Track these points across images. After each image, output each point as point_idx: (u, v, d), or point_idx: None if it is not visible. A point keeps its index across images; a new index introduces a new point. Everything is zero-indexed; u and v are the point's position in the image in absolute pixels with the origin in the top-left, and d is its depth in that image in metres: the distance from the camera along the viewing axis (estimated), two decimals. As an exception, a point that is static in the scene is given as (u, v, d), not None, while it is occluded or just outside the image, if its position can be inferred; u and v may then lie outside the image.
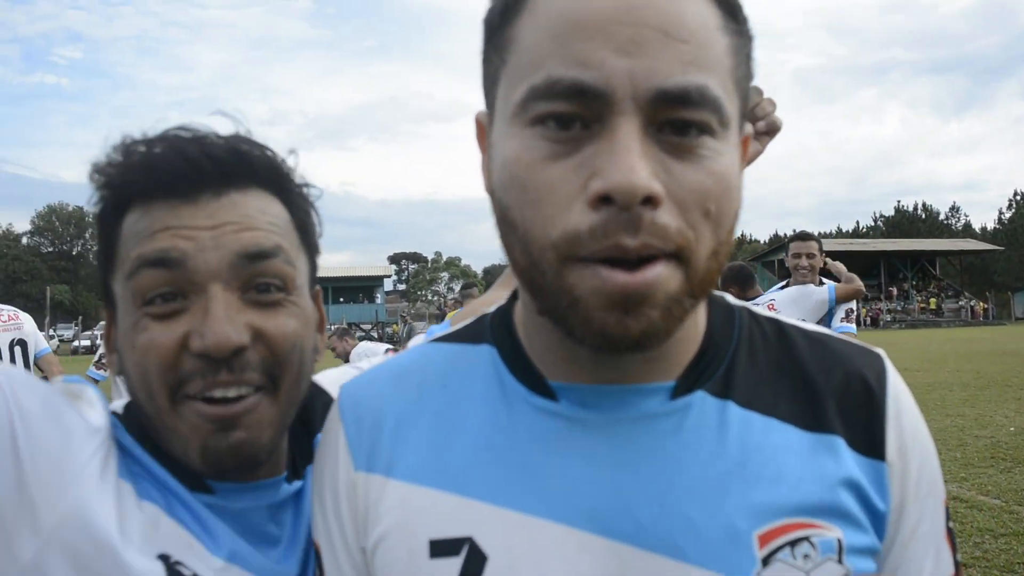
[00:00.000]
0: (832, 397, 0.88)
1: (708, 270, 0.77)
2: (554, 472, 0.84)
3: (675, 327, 0.77)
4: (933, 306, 70.57)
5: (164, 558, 0.95)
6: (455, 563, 0.82)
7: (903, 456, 0.88)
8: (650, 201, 0.70)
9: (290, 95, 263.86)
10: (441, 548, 0.83)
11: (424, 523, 0.85)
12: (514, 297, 0.98)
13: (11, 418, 0.89)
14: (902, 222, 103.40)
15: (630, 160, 0.69)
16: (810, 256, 6.65)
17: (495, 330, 0.96)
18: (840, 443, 0.85)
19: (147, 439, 1.04)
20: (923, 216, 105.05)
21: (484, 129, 0.89)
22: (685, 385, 0.87)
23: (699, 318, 0.90)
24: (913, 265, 79.16)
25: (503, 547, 0.82)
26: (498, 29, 0.82)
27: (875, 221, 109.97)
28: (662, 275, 0.72)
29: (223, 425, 0.99)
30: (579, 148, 0.73)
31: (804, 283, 6.69)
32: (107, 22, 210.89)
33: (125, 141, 1.05)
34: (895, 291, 75.20)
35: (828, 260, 6.83)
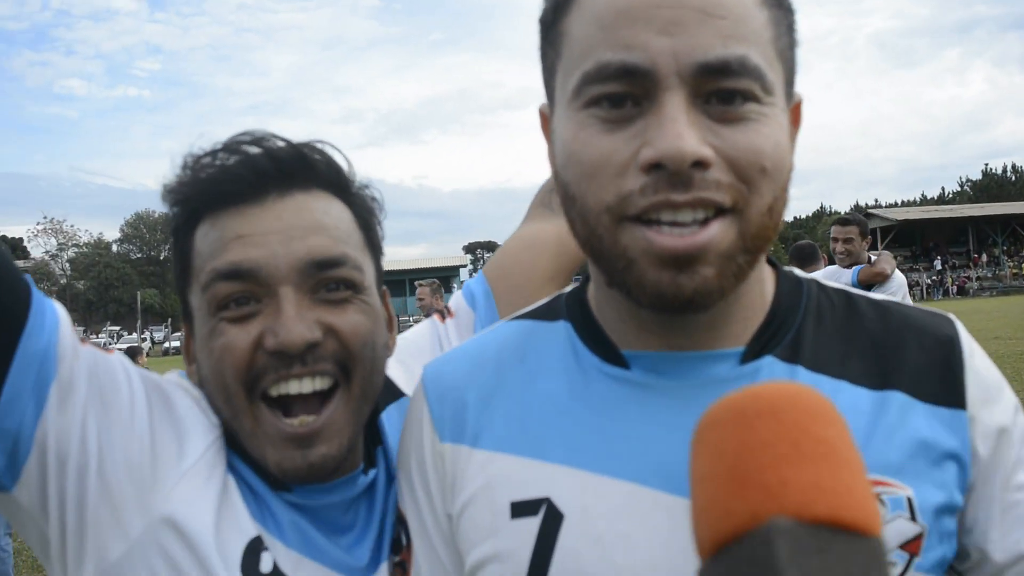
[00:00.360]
0: (901, 355, 0.90)
1: (762, 226, 0.81)
2: (627, 435, 0.88)
3: (730, 285, 0.81)
4: (1026, 271, 67.70)
5: (256, 539, 1.04)
6: (534, 522, 0.87)
7: (988, 404, 0.89)
8: (700, 165, 0.76)
9: (362, 93, 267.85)
10: (521, 509, 0.88)
11: (506, 487, 0.90)
12: (587, 279, 1.03)
13: (150, 409, 1.05)
14: (991, 186, 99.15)
15: (677, 129, 0.75)
16: (847, 241, 6.62)
17: (570, 307, 1.01)
18: (908, 399, 0.87)
19: (231, 439, 1.10)
20: (1013, 178, 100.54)
21: (547, 119, 0.96)
22: (754, 350, 0.90)
23: (766, 287, 0.95)
24: (1004, 229, 75.93)
25: (578, 506, 0.86)
26: (551, 26, 0.89)
27: (961, 186, 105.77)
28: (715, 236, 0.78)
29: (301, 443, 1.04)
30: (631, 123, 0.79)
31: (844, 267, 6.66)
32: (183, 33, 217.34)
33: (191, 158, 1.11)
34: (984, 258, 72.38)
35: (874, 255, 6.76)
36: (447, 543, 0.98)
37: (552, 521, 0.86)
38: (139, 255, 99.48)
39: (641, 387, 0.90)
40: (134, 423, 1.02)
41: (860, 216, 7.02)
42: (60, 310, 1.01)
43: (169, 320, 72.79)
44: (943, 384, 0.89)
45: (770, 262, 0.99)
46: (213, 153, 1.10)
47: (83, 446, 0.98)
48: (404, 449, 1.06)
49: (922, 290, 62.11)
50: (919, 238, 76.61)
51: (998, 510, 0.87)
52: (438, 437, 0.99)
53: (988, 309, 36.64)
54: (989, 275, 68.64)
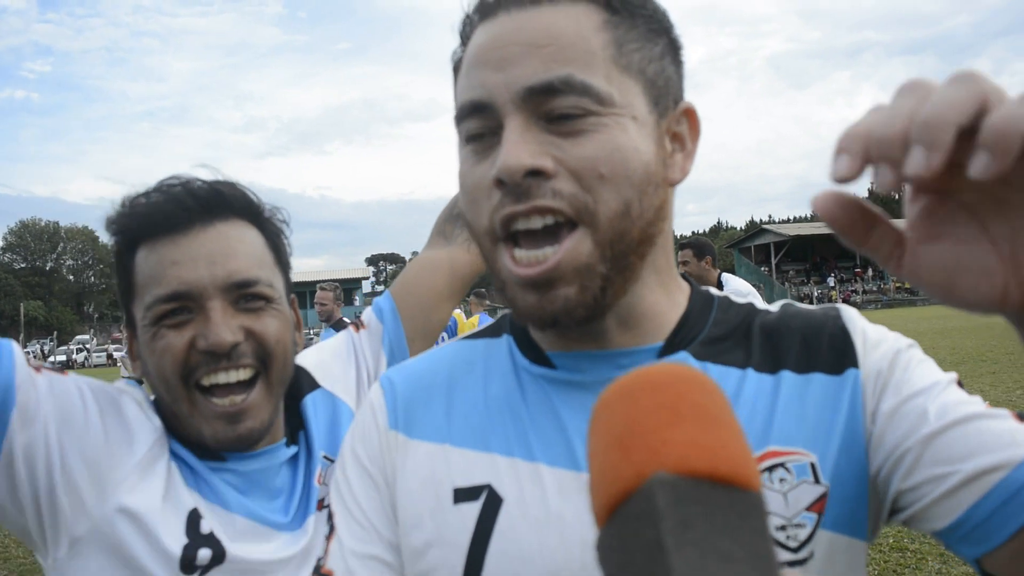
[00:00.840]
0: (791, 339, 0.98)
1: (619, 231, 0.89)
2: (556, 426, 0.96)
3: (598, 296, 0.89)
4: (908, 285, 71.01)
5: (195, 510, 1.30)
6: (475, 506, 0.94)
7: (877, 347, 0.96)
8: (539, 174, 0.86)
9: (264, 101, 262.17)
10: (463, 495, 0.96)
11: (449, 474, 0.98)
12: None
13: (102, 416, 1.30)
14: (876, 202, 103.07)
15: (509, 146, 0.86)
16: (683, 263, 7.19)
17: (511, 322, 1.10)
18: (799, 375, 0.95)
19: (171, 428, 1.38)
20: (897, 196, 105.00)
21: None
22: (670, 348, 0.99)
23: (676, 296, 1.03)
24: (887, 245, 79.40)
25: (515, 490, 0.94)
26: (453, 80, 1.01)
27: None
28: (568, 253, 0.87)
29: (231, 420, 1.32)
30: (492, 151, 0.91)
31: None
32: (76, 35, 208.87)
33: (128, 198, 1.39)
34: (870, 272, 75.76)
35: (725, 275, 7.46)
36: (390, 525, 1.02)
37: (492, 505, 0.93)
38: (23, 265, 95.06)
39: (567, 384, 0.99)
40: (88, 428, 1.27)
41: (696, 239, 7.63)
42: (14, 346, 1.24)
43: (55, 333, 69.36)
44: (833, 353, 0.96)
45: (687, 280, 1.09)
46: (147, 194, 1.37)
47: (47, 452, 1.22)
48: (351, 436, 1.11)
49: (811, 302, 64.29)
50: (810, 253, 79.68)
51: (905, 424, 0.89)
52: (388, 423, 1.06)
53: (874, 320, 38.19)
54: (874, 289, 71.93)
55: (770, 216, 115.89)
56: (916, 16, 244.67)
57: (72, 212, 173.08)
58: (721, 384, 0.89)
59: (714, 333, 1.01)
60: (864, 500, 0.92)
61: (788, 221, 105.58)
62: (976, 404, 0.89)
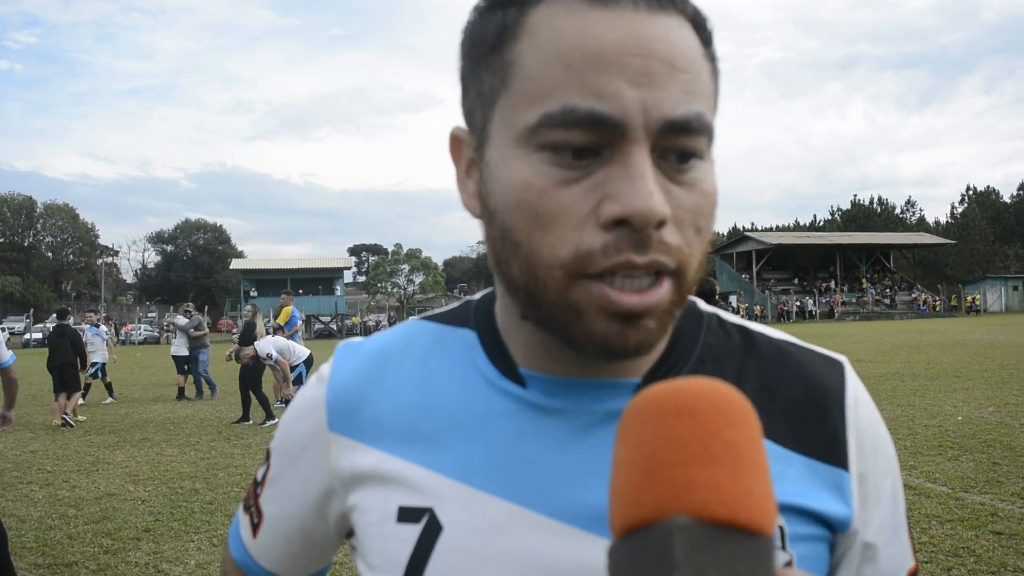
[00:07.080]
0: (791, 407, 0.91)
1: (693, 282, 0.83)
2: (515, 455, 0.88)
3: (665, 334, 0.82)
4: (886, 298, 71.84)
5: None
6: (415, 530, 0.88)
7: (863, 461, 0.91)
8: (660, 224, 0.75)
9: (254, 84, 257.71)
10: (406, 515, 0.90)
11: (396, 490, 0.91)
12: (493, 293, 1.01)
13: None
14: (858, 216, 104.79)
15: (647, 186, 0.73)
16: None
17: (477, 316, 0.99)
18: (789, 452, 0.89)
19: None
20: (879, 210, 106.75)
21: (460, 145, 0.90)
22: (648, 383, 0.92)
23: None
24: (868, 258, 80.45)
25: (458, 520, 0.87)
26: (494, 50, 0.82)
27: (832, 215, 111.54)
28: (664, 296, 0.78)
29: None
30: (590, 173, 0.76)
31: None
32: (66, 7, 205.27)
33: None
34: (846, 287, 76.39)
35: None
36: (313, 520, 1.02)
37: (431, 532, 0.88)
38: (1, 240, 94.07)
39: (534, 408, 0.89)
40: None
41: None
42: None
43: (31, 311, 68.57)
44: (827, 443, 0.90)
45: None
46: None
47: None
48: (287, 434, 1.05)
49: (790, 312, 65.13)
50: (791, 262, 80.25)
51: (853, 559, 0.90)
52: (328, 424, 0.98)
53: (851, 332, 38.67)
54: (853, 300, 72.49)
55: (753, 224, 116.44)
56: (911, 31, 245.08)
57: (53, 188, 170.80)
58: None
59: (700, 367, 0.92)
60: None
61: (771, 229, 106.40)
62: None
